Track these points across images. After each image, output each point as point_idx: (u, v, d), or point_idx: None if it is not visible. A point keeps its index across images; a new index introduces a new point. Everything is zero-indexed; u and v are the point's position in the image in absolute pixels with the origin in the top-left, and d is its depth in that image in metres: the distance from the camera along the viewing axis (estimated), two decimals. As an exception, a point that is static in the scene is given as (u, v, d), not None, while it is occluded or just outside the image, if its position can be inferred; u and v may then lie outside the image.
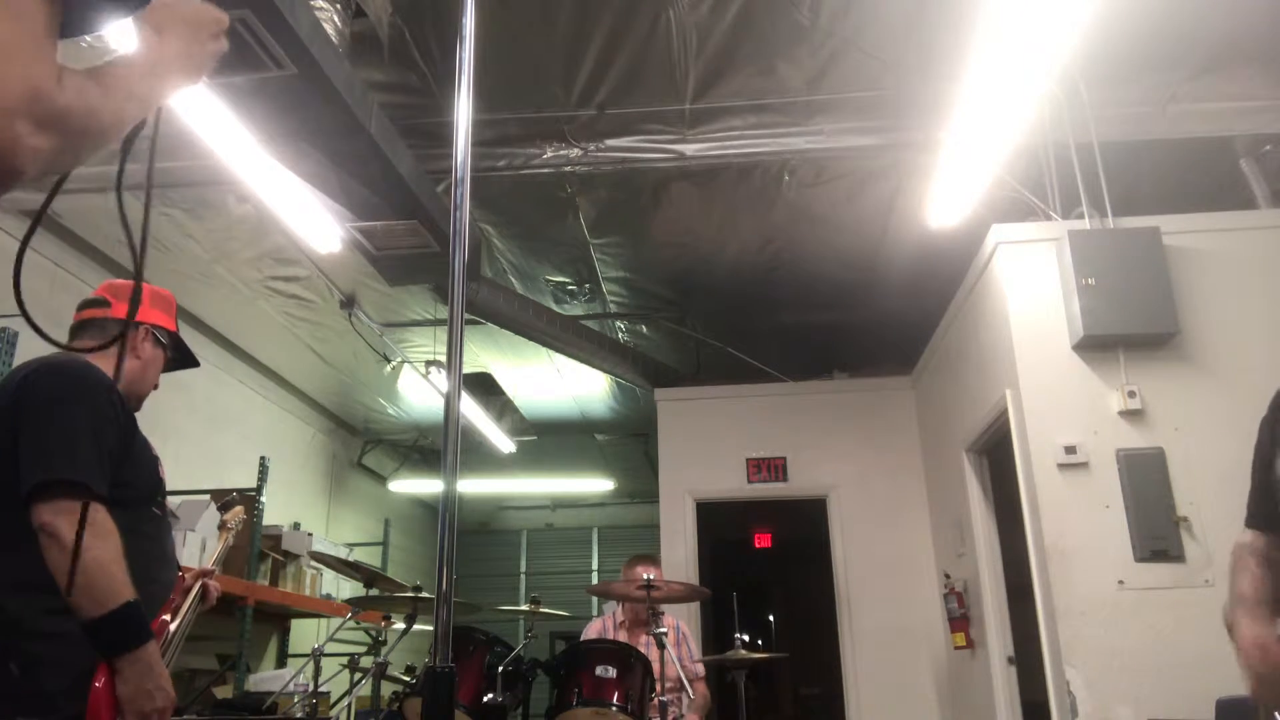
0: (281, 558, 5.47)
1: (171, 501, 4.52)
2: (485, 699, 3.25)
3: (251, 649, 5.16)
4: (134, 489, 1.87)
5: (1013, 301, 4.04)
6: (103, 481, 1.74)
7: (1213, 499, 3.61)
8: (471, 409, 6.87)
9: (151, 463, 2.00)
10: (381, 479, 9.00)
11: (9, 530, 1.70)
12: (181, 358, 2.26)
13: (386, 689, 4.11)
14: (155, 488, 2.00)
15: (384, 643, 3.74)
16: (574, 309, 5.91)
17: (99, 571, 1.65)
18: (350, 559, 4.43)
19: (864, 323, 6.05)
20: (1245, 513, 1.97)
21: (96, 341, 1.98)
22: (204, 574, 2.24)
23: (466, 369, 6.68)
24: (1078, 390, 3.87)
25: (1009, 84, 3.20)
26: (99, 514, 1.69)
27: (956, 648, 5.10)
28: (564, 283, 5.60)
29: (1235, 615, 1.82)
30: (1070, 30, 2.98)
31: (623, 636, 4.05)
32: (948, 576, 5.36)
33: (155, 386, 2.15)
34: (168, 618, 1.96)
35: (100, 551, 1.67)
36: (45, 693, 1.64)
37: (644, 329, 6.30)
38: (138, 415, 1.99)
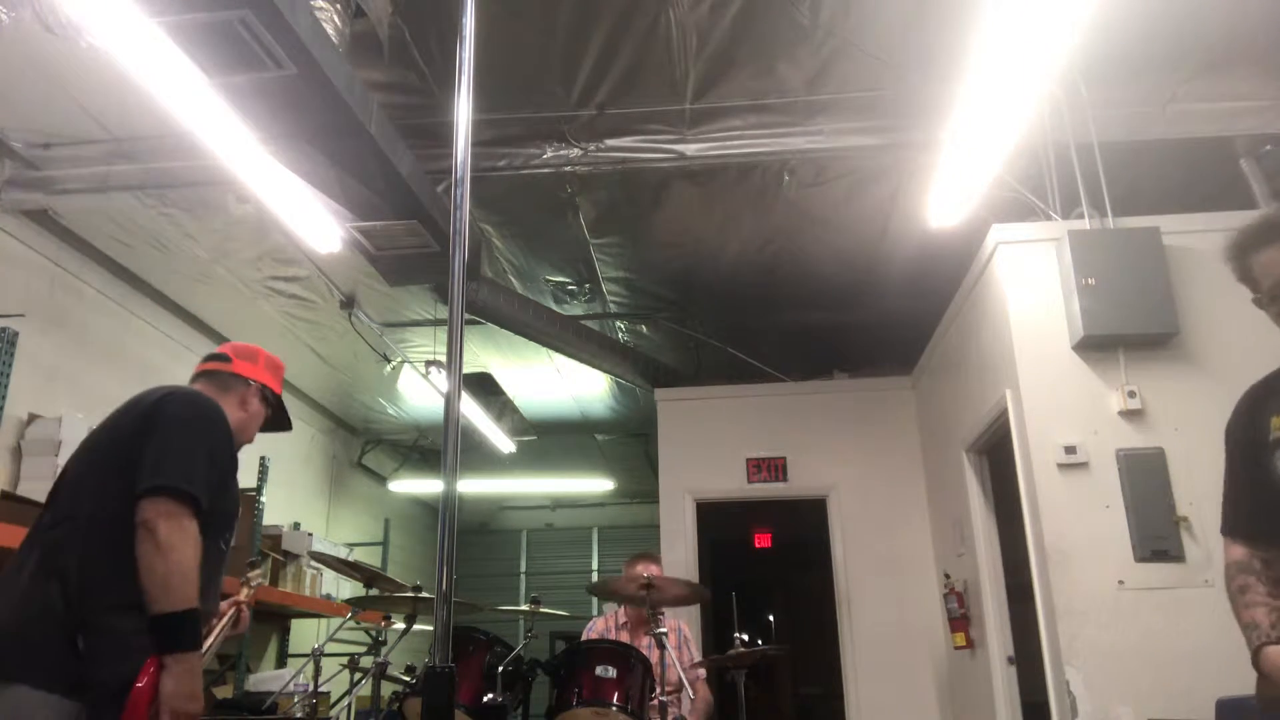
0: (281, 558, 5.47)
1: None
2: (485, 699, 3.25)
3: (251, 649, 5.16)
4: (217, 521, 2.05)
5: (1013, 301, 4.04)
6: (206, 500, 1.94)
7: (1213, 499, 3.55)
8: (471, 409, 6.87)
9: (236, 503, 2.18)
10: (381, 479, 9.00)
11: (108, 530, 1.88)
12: (278, 420, 2.51)
13: (386, 689, 4.11)
14: (231, 525, 2.18)
15: (384, 643, 3.74)
16: (574, 309, 5.91)
17: (180, 572, 1.85)
18: (350, 559, 4.43)
19: (864, 323, 6.05)
20: (1222, 522, 1.92)
21: (215, 390, 2.25)
22: (238, 604, 2.44)
23: (466, 369, 6.68)
24: (1078, 390, 3.87)
25: (1009, 84, 3.20)
26: (193, 524, 1.90)
27: (956, 648, 5.10)
28: (564, 283, 5.60)
29: (1262, 651, 1.71)
30: (1070, 30, 2.98)
31: (624, 637, 4.05)
32: (948, 576, 5.36)
33: (251, 440, 2.38)
34: None
35: (187, 555, 1.87)
36: (90, 680, 1.78)
37: (644, 329, 6.30)
38: None
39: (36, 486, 3.85)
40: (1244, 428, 1.88)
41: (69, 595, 1.81)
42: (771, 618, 9.03)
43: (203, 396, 2.13)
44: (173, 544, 1.84)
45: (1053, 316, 3.95)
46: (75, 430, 4.06)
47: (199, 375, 2.32)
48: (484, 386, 7.27)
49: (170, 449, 1.94)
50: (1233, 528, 1.92)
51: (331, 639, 3.64)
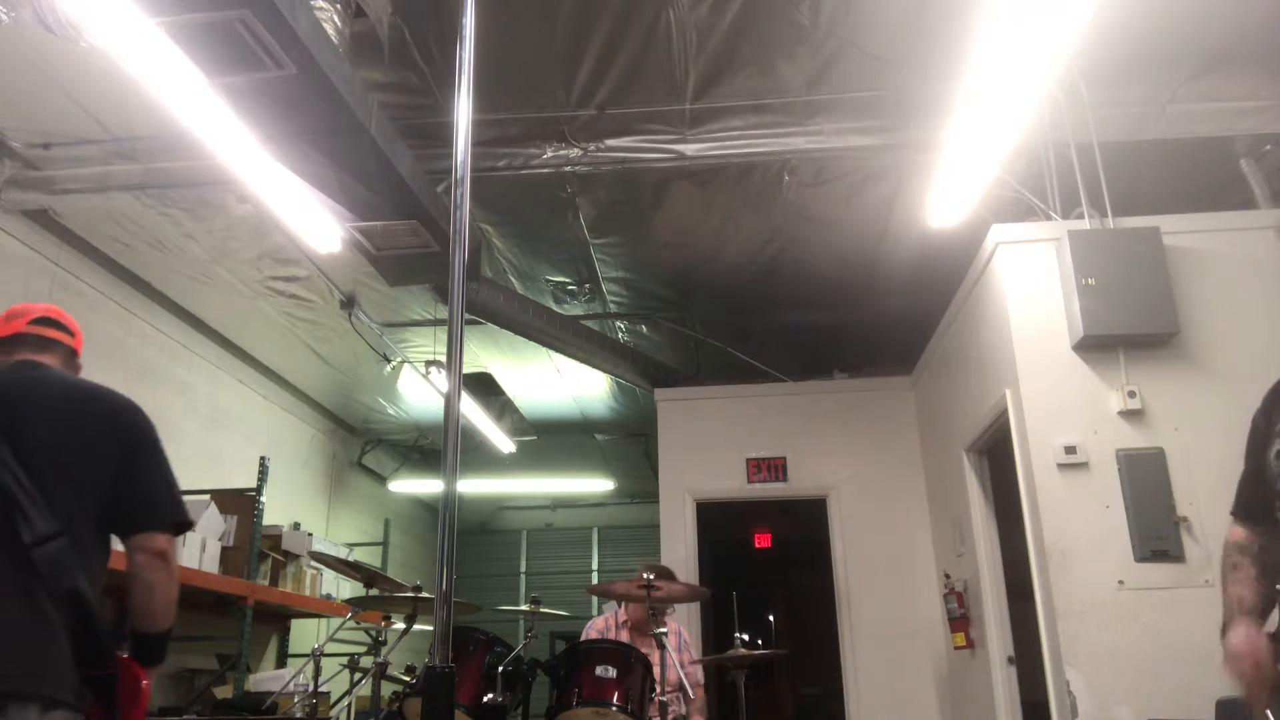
0: (281, 558, 5.47)
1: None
2: (485, 699, 3.25)
3: (251, 649, 5.16)
4: None
5: (1013, 301, 4.04)
6: None
7: (1213, 499, 3.60)
8: (471, 409, 6.87)
9: None
10: (381, 479, 9.00)
11: (91, 547, 1.92)
12: None
13: (386, 689, 4.11)
14: None
15: (384, 643, 3.74)
16: (574, 309, 5.91)
17: (176, 597, 2.02)
18: (350, 559, 4.43)
19: (864, 323, 6.05)
20: (1233, 502, 2.00)
21: (61, 366, 2.14)
22: None
23: (466, 369, 6.68)
24: (1078, 390, 3.87)
25: (1009, 84, 3.20)
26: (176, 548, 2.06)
27: (956, 648, 5.10)
28: (564, 283, 5.60)
29: (1231, 621, 1.83)
30: (1070, 30, 2.98)
31: (624, 636, 4.05)
32: (948, 576, 5.36)
33: None
34: None
35: (178, 579, 2.04)
36: (83, 689, 1.84)
37: (644, 329, 6.30)
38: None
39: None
40: (1264, 415, 1.93)
41: (84, 616, 1.83)
42: (771, 617, 9.04)
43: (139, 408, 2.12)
44: (177, 574, 2.02)
45: (1053, 316, 3.95)
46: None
47: (42, 341, 2.13)
48: (484, 386, 7.27)
49: (169, 480, 2.06)
50: (1236, 509, 2.00)
51: (331, 639, 3.64)
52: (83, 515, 1.90)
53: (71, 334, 2.20)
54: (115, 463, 1.98)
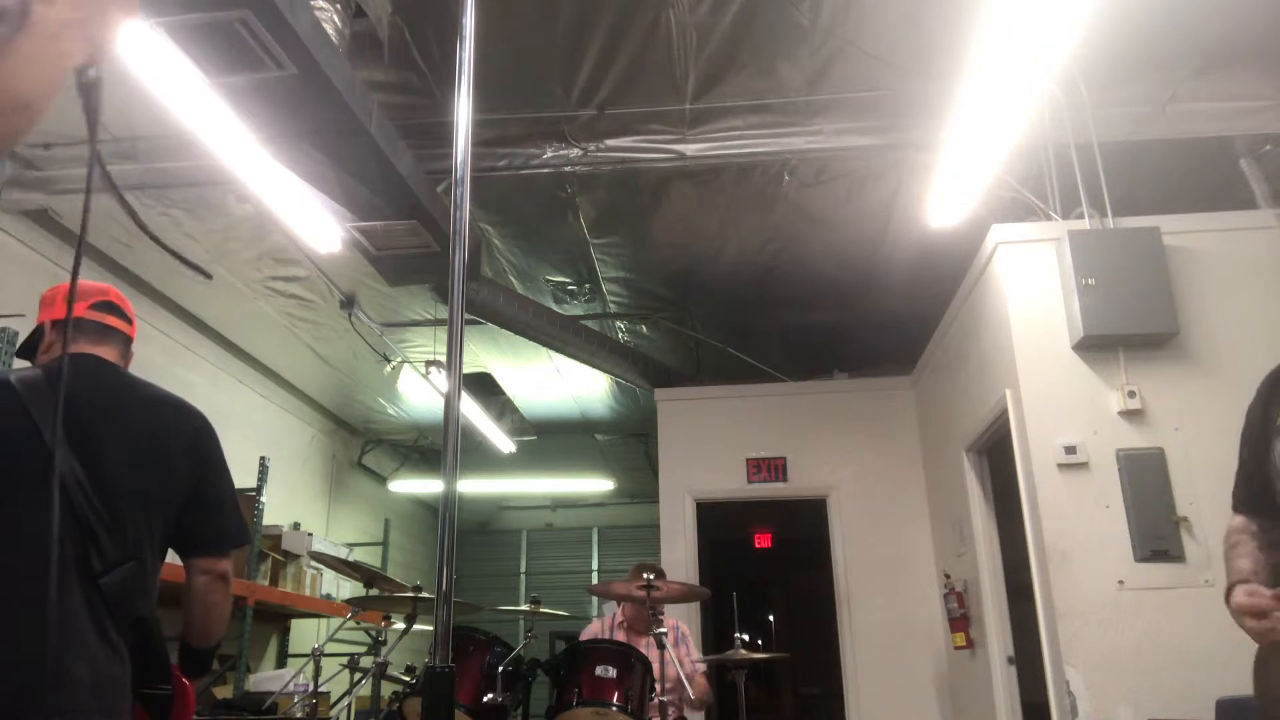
0: (281, 558, 5.48)
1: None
2: (485, 699, 3.25)
3: (251, 649, 5.16)
4: None
5: (1013, 301, 4.04)
6: None
7: (1213, 499, 3.60)
8: (471, 409, 6.87)
9: None
10: (381, 479, 9.00)
11: (155, 572, 1.90)
12: None
13: (386, 689, 4.11)
14: None
15: (384, 643, 3.74)
16: (574, 309, 5.91)
17: (229, 612, 2.06)
18: (350, 559, 4.43)
19: (864, 323, 6.05)
20: (1232, 498, 2.01)
21: (118, 358, 2.03)
22: None
23: (466, 369, 6.68)
24: (1078, 390, 3.87)
25: (1009, 84, 3.20)
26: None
27: (956, 648, 5.10)
28: (564, 283, 5.60)
29: (1232, 589, 1.84)
30: (1070, 30, 2.98)
31: (621, 637, 4.05)
32: (948, 576, 5.36)
33: None
34: None
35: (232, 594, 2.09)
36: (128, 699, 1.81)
37: (644, 329, 6.30)
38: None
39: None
40: (1261, 407, 1.94)
41: (146, 640, 1.82)
42: (771, 617, 9.04)
43: (207, 420, 2.10)
44: (232, 591, 2.06)
45: (1053, 316, 3.95)
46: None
47: (102, 330, 2.00)
48: (484, 386, 7.27)
49: (233, 499, 2.08)
50: (1236, 504, 2.02)
51: (331, 639, 3.64)
52: (150, 537, 1.85)
53: (129, 321, 2.08)
54: (188, 484, 1.94)
